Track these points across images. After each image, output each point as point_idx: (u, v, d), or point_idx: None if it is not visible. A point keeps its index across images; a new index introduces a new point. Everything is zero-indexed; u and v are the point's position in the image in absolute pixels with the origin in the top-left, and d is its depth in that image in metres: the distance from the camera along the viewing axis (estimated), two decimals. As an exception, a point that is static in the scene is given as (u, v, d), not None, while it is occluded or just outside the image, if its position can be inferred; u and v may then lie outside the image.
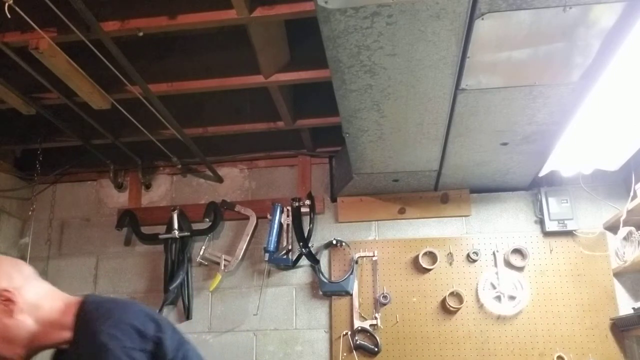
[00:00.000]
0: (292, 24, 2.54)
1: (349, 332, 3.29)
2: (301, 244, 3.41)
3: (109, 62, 2.37)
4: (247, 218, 3.58)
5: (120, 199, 3.84)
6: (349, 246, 3.44)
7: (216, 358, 3.41)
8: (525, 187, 3.42)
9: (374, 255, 3.40)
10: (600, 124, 2.49)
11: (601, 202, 3.32)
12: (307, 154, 3.69)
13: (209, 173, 3.70)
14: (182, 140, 3.18)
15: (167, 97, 2.90)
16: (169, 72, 2.82)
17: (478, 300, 3.26)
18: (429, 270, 3.34)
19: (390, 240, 3.46)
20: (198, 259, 3.55)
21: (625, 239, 3.10)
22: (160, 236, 3.55)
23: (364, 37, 1.88)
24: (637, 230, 3.02)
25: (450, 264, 3.35)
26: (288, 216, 3.50)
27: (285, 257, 3.44)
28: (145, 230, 3.65)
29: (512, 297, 3.23)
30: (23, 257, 3.72)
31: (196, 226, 3.60)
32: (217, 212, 3.60)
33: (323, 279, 3.38)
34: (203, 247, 3.56)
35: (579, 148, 2.77)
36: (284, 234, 3.48)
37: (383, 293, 3.31)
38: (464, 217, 3.46)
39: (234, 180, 3.78)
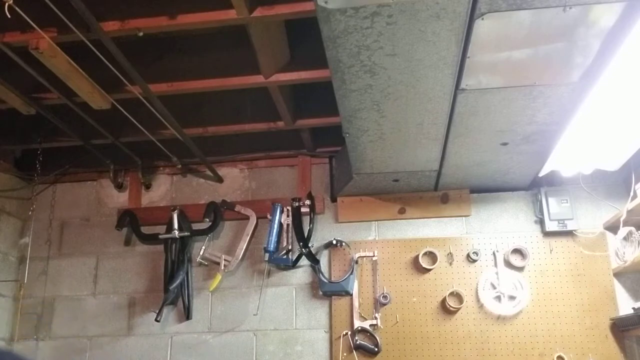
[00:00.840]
0: (292, 24, 2.54)
1: (349, 332, 3.29)
2: (301, 244, 3.41)
3: (109, 62, 2.37)
4: (247, 218, 3.58)
5: (120, 199, 3.84)
6: (349, 246, 3.44)
7: (216, 358, 3.42)
8: (525, 187, 3.42)
9: (374, 255, 3.40)
10: (600, 124, 2.49)
11: (601, 202, 3.32)
12: (307, 154, 3.69)
13: (209, 173, 3.70)
14: (182, 140, 3.18)
15: (167, 97, 2.90)
16: (169, 72, 2.82)
17: (478, 300, 3.26)
18: (429, 270, 3.34)
19: (390, 240, 3.46)
20: (198, 259, 3.55)
21: (625, 239, 3.10)
22: (160, 236, 3.55)
23: (364, 37, 1.88)
24: (637, 230, 3.02)
25: (450, 264, 3.35)
26: (288, 216, 3.50)
27: (285, 257, 3.45)
28: (145, 230, 3.66)
29: (512, 297, 3.23)
30: (23, 257, 3.73)
31: (196, 226, 3.61)
32: (217, 212, 3.60)
33: (323, 279, 3.38)
34: (203, 247, 3.57)
35: (579, 148, 2.77)
36: (284, 234, 3.48)
37: (383, 293, 3.31)
38: (464, 217, 3.46)
39: (234, 180, 3.78)
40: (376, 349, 3.23)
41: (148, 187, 3.83)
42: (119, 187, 3.83)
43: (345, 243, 3.45)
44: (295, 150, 3.68)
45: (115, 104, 2.86)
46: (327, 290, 3.38)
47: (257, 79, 2.75)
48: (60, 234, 3.82)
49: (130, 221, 3.68)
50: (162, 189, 3.83)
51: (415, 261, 3.38)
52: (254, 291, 3.50)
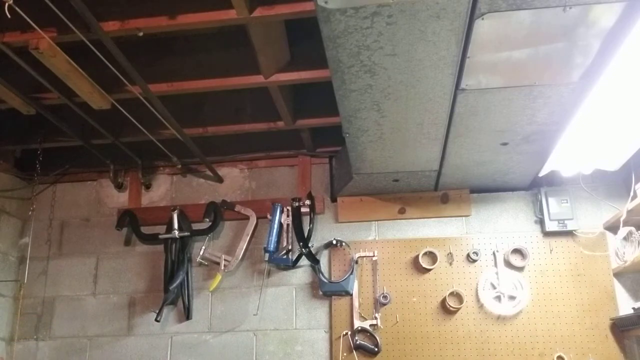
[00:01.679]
0: (292, 24, 2.54)
1: (349, 332, 3.29)
2: (301, 244, 3.41)
3: (109, 62, 2.37)
4: (247, 218, 3.59)
5: (120, 199, 3.84)
6: (349, 246, 3.45)
7: (216, 358, 3.42)
8: (525, 187, 3.42)
9: (374, 255, 3.40)
10: (600, 124, 2.49)
11: (601, 202, 3.32)
12: (307, 154, 3.69)
13: (209, 173, 3.70)
14: (182, 140, 3.18)
15: (167, 97, 2.90)
16: (169, 72, 2.82)
17: (478, 300, 3.26)
18: (429, 270, 3.35)
19: (390, 240, 3.46)
20: (198, 259, 3.55)
21: (625, 239, 3.10)
22: (160, 236, 3.55)
23: (364, 37, 1.88)
24: (637, 230, 3.03)
25: (450, 264, 3.35)
26: (288, 216, 3.50)
27: (285, 257, 3.45)
28: (145, 230, 3.66)
29: (512, 297, 3.23)
30: (23, 257, 3.73)
31: (196, 226, 3.61)
32: (217, 212, 3.60)
33: (323, 279, 3.38)
34: (203, 247, 3.57)
35: (579, 148, 2.77)
36: (284, 234, 3.48)
37: (383, 293, 3.31)
38: (464, 217, 3.46)
39: (234, 180, 3.78)
40: (376, 349, 3.23)
41: (148, 187, 3.83)
42: (119, 187, 3.83)
43: (345, 243, 3.45)
44: (295, 150, 3.68)
45: (115, 104, 2.86)
46: (327, 290, 3.38)
47: (257, 79, 2.75)
48: (60, 234, 3.82)
49: (130, 221, 3.68)
50: (162, 189, 3.84)
51: (415, 261, 3.38)
52: (254, 291, 3.50)
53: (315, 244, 3.50)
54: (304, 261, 3.46)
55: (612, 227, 3.23)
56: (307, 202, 3.53)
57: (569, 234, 3.29)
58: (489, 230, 3.42)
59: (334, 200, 3.60)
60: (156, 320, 3.38)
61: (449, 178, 3.28)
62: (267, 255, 3.43)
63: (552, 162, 2.95)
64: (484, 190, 3.45)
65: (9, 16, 2.02)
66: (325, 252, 3.49)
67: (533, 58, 2.04)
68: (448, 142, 2.75)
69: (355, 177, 3.22)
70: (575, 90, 2.24)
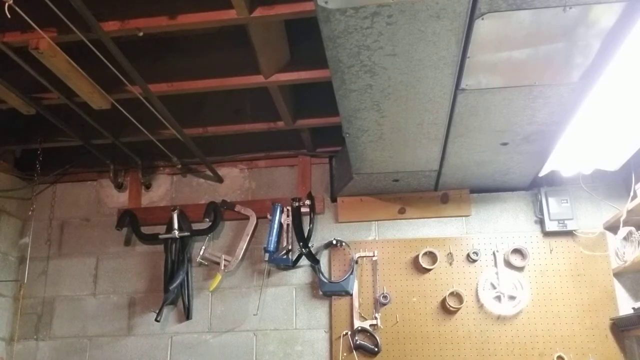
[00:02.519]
0: (292, 24, 2.54)
1: (349, 332, 3.29)
2: (301, 244, 3.41)
3: (109, 62, 2.37)
4: (247, 218, 3.58)
5: (120, 199, 3.84)
6: (349, 246, 3.45)
7: (216, 358, 3.42)
8: (525, 187, 3.42)
9: (374, 255, 3.40)
10: (600, 124, 2.49)
11: (601, 202, 3.32)
12: (307, 154, 3.69)
13: (209, 173, 3.70)
14: (182, 140, 3.18)
15: (167, 97, 2.90)
16: (169, 72, 2.82)
17: (478, 300, 3.26)
18: (429, 270, 3.35)
19: (390, 240, 3.46)
20: (198, 259, 3.55)
21: (625, 239, 3.10)
22: (160, 236, 3.55)
23: (364, 37, 1.88)
24: (637, 230, 3.03)
25: (450, 264, 3.35)
26: (288, 216, 3.50)
27: (285, 257, 3.45)
28: (145, 230, 3.66)
29: (512, 297, 3.23)
30: (23, 257, 3.73)
31: (196, 226, 3.61)
32: (217, 212, 3.60)
33: (323, 279, 3.38)
34: (203, 247, 3.57)
35: (579, 148, 2.77)
36: (284, 234, 3.48)
37: (383, 293, 3.31)
38: (464, 217, 3.46)
39: (234, 180, 3.78)
40: (376, 349, 3.23)
41: (148, 187, 3.83)
42: (119, 187, 3.83)
43: (345, 243, 3.45)
44: (295, 150, 3.68)
45: (115, 104, 2.86)
46: (327, 290, 3.38)
47: (257, 79, 2.75)
48: (60, 234, 3.82)
49: (130, 221, 3.68)
50: (162, 189, 3.84)
51: (415, 261, 3.38)
52: (254, 291, 3.50)
53: (315, 244, 3.50)
54: (304, 261, 3.46)
55: (612, 227, 3.23)
56: (307, 202, 3.53)
57: (569, 234, 3.29)
58: (489, 230, 3.42)
59: (334, 200, 3.60)
60: (156, 320, 3.38)
61: (449, 178, 3.28)
62: (267, 255, 3.43)
63: (552, 162, 2.95)
64: (484, 190, 3.45)
65: (9, 16, 2.02)
66: (325, 252, 3.49)
67: (533, 58, 2.04)
68: (448, 142, 2.75)
69: (355, 177, 3.22)
70: (575, 90, 2.24)
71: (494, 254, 3.33)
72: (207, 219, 3.57)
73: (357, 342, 3.26)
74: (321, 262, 3.44)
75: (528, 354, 3.15)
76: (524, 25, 1.86)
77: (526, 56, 2.04)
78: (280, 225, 3.48)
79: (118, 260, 3.70)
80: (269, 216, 3.48)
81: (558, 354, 3.11)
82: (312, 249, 3.44)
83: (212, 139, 3.54)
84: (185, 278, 3.49)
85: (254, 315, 3.44)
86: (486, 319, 3.23)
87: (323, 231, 3.55)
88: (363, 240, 3.48)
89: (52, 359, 3.58)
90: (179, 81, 2.83)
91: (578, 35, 1.91)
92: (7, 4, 2.00)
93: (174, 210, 3.59)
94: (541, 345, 3.15)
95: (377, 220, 3.53)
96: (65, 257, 3.77)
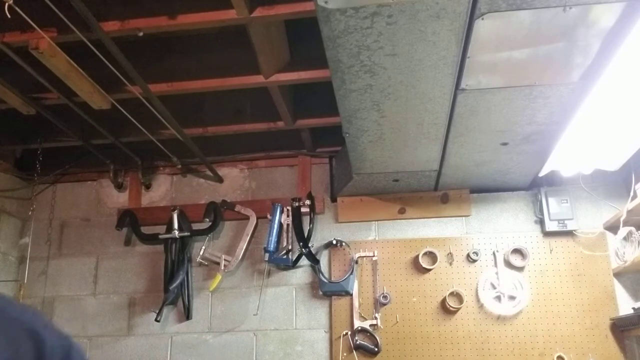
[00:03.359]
0: (292, 24, 2.54)
1: (349, 332, 3.29)
2: (301, 244, 3.41)
3: (109, 62, 2.37)
4: (247, 218, 3.58)
5: (120, 199, 3.84)
6: (349, 246, 3.44)
7: (216, 358, 3.42)
8: (525, 187, 3.42)
9: (374, 255, 3.40)
10: (600, 124, 2.49)
11: (601, 202, 3.32)
12: (307, 154, 3.69)
13: (209, 173, 3.70)
14: (182, 140, 3.18)
15: (167, 97, 2.90)
16: (169, 72, 2.82)
17: (478, 300, 3.26)
18: (429, 270, 3.34)
19: (390, 240, 3.46)
20: (198, 259, 3.55)
21: (625, 239, 3.10)
22: (160, 236, 3.55)
23: (364, 37, 1.88)
24: (637, 230, 3.02)
25: (450, 264, 3.35)
26: (288, 216, 3.50)
27: (285, 257, 3.44)
28: (145, 230, 3.66)
29: (512, 297, 3.23)
30: (23, 257, 3.73)
31: (196, 226, 3.60)
32: (217, 212, 3.60)
33: (323, 279, 3.38)
34: (203, 247, 3.56)
35: (579, 148, 2.77)
36: (284, 234, 3.48)
37: (383, 293, 3.31)
38: (464, 217, 3.46)
39: (234, 180, 3.78)
40: (376, 349, 3.23)
41: (148, 187, 3.83)
42: (119, 187, 3.83)
43: (345, 243, 3.45)
44: (295, 150, 3.68)
45: (115, 104, 2.86)
46: (327, 290, 3.38)
47: (257, 79, 2.75)
48: (60, 234, 3.82)
49: (130, 221, 3.68)
50: (162, 189, 3.83)
51: (415, 261, 3.37)
52: (254, 291, 3.50)
53: (315, 244, 3.49)
54: (304, 261, 3.46)
55: (612, 227, 3.23)
56: (307, 202, 3.53)
57: (569, 234, 3.29)
58: (489, 230, 3.41)
59: (334, 200, 3.60)
60: (156, 320, 3.38)
61: (449, 178, 3.28)
62: (267, 255, 3.43)
63: (552, 162, 2.95)
64: (484, 190, 3.45)
65: (9, 16, 2.02)
66: (325, 252, 3.49)
67: (533, 58, 2.04)
68: (448, 142, 2.75)
69: (355, 177, 3.22)
70: (575, 90, 2.24)
71: (494, 254, 3.33)
72: (207, 219, 3.57)
73: (357, 342, 3.26)
74: (321, 262, 3.44)
75: (528, 354, 3.14)
76: (524, 25, 1.86)
77: (526, 56, 2.03)
78: (280, 225, 3.48)
79: (118, 260, 3.70)
80: (269, 216, 3.48)
81: (558, 354, 3.11)
82: (312, 249, 3.43)
83: (212, 139, 3.54)
84: (185, 278, 3.48)
85: (254, 315, 3.44)
86: (486, 319, 3.23)
87: (323, 231, 3.55)
88: (363, 240, 3.48)
89: (52, 359, 3.57)
90: (179, 81, 2.83)
91: (578, 35, 1.91)
92: (7, 4, 2.00)
93: (174, 210, 3.58)
94: (541, 345, 3.15)
95: (377, 220, 3.52)
96: (65, 257, 3.77)
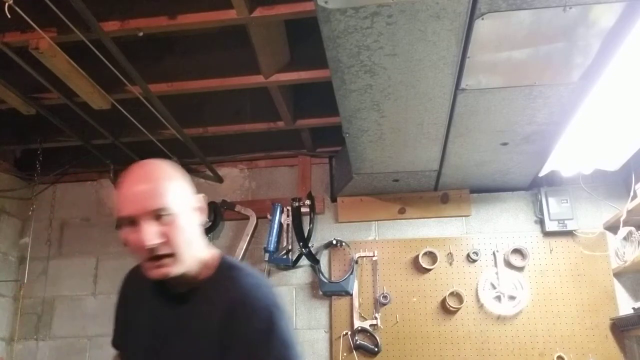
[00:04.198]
0: (292, 24, 2.54)
1: (349, 332, 3.29)
2: (301, 244, 3.41)
3: (109, 62, 2.37)
4: (247, 218, 3.58)
5: (120, 199, 3.83)
6: (349, 246, 3.44)
7: (216, 358, 3.41)
8: (525, 187, 3.41)
9: (374, 255, 3.40)
10: (600, 124, 2.49)
11: (601, 202, 3.32)
12: (307, 154, 3.69)
13: (209, 173, 3.70)
14: (182, 140, 3.18)
15: (167, 97, 2.90)
16: (169, 72, 2.82)
17: (478, 300, 3.26)
18: (429, 270, 3.34)
19: (390, 240, 3.46)
20: (198, 259, 3.54)
21: (625, 239, 3.10)
22: (160, 236, 3.54)
23: (364, 37, 1.88)
24: (637, 230, 3.02)
25: (450, 264, 3.35)
26: (288, 216, 3.50)
27: (285, 257, 3.44)
28: (145, 230, 3.64)
29: (512, 297, 3.22)
30: (23, 257, 3.73)
31: (196, 226, 3.59)
32: (217, 212, 3.60)
33: (323, 279, 3.38)
34: (203, 247, 3.55)
35: (579, 148, 2.77)
36: (284, 234, 3.48)
37: (383, 293, 3.31)
38: (464, 217, 3.46)
39: (234, 180, 3.77)
40: (376, 349, 3.23)
41: (148, 187, 3.82)
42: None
43: (345, 243, 3.45)
44: (295, 150, 3.68)
45: (115, 104, 2.86)
46: (327, 290, 3.38)
47: (257, 79, 2.75)
48: (61, 234, 3.82)
49: (130, 221, 3.67)
50: (162, 189, 3.82)
51: (415, 261, 3.37)
52: (254, 291, 3.49)
53: (315, 244, 3.49)
54: (304, 261, 3.46)
55: (612, 227, 3.23)
56: (307, 202, 3.53)
57: (569, 234, 3.29)
58: (489, 230, 3.41)
59: (334, 200, 3.60)
60: (156, 320, 3.37)
61: (449, 178, 3.28)
62: (267, 255, 3.43)
63: (552, 162, 2.95)
64: (484, 190, 3.45)
65: (9, 16, 2.02)
66: (325, 252, 3.49)
67: (533, 58, 2.04)
68: (448, 142, 2.74)
69: (355, 177, 3.22)
70: (575, 90, 2.24)
71: (494, 254, 3.33)
72: (207, 219, 3.57)
73: (357, 342, 3.26)
74: (321, 262, 3.44)
75: (528, 354, 3.14)
76: (524, 25, 1.86)
77: (526, 56, 2.03)
78: (280, 225, 3.48)
79: (118, 260, 3.69)
80: (269, 216, 3.48)
81: (558, 354, 3.11)
82: (312, 249, 3.43)
83: (212, 139, 3.54)
84: (185, 278, 3.47)
85: (254, 315, 3.43)
86: (486, 319, 3.23)
87: (323, 231, 3.55)
88: (363, 240, 3.48)
89: (52, 359, 3.58)
90: (179, 81, 2.83)
91: (578, 35, 1.91)
92: (7, 4, 2.00)
93: (173, 210, 3.57)
94: (541, 345, 3.15)
95: (377, 220, 3.52)
96: (66, 257, 3.77)
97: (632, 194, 3.03)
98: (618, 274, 3.20)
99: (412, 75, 2.12)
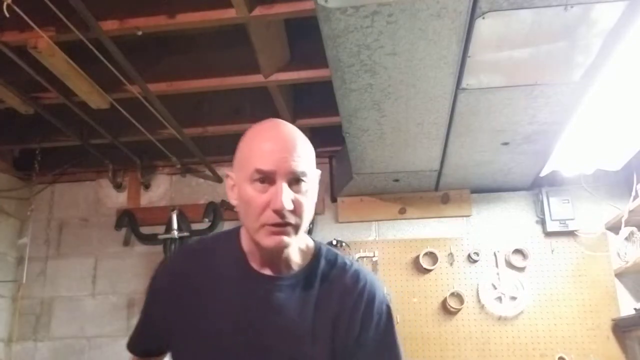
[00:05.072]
0: (292, 24, 2.53)
1: (349, 333, 3.27)
2: (301, 244, 3.39)
3: (107, 61, 2.36)
4: (246, 218, 3.56)
5: (119, 199, 3.83)
6: (349, 246, 3.43)
7: (216, 359, 3.40)
8: (526, 187, 3.40)
9: (374, 256, 3.39)
10: (602, 123, 2.48)
11: (602, 202, 3.31)
12: (307, 154, 3.67)
13: (209, 173, 3.69)
14: (182, 140, 3.17)
15: (167, 97, 2.89)
16: (169, 72, 2.81)
17: (479, 300, 3.25)
18: (430, 270, 3.33)
19: (391, 240, 3.45)
20: (198, 260, 3.53)
21: (627, 239, 3.09)
22: (160, 236, 3.54)
23: (364, 36, 1.87)
24: (638, 231, 3.02)
25: (451, 264, 3.34)
26: (288, 216, 3.48)
27: (285, 257, 3.43)
28: (144, 230, 3.64)
29: (513, 298, 3.22)
30: (22, 257, 3.72)
31: (195, 226, 3.59)
32: (217, 212, 3.58)
33: (323, 279, 3.37)
34: (203, 248, 3.55)
35: (580, 148, 2.76)
36: (284, 234, 3.46)
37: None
38: (464, 217, 3.45)
39: (233, 180, 3.76)
40: (376, 350, 3.22)
41: (147, 187, 3.82)
42: (118, 187, 3.82)
43: (345, 243, 3.44)
44: (295, 150, 3.66)
45: (114, 103, 2.85)
46: (327, 291, 3.36)
47: (257, 79, 2.74)
48: (59, 234, 3.81)
49: (129, 221, 3.67)
50: (161, 189, 3.82)
51: (416, 261, 3.36)
52: (253, 292, 3.48)
53: (315, 244, 3.48)
54: (304, 261, 3.44)
55: (614, 228, 3.22)
56: (307, 202, 3.51)
57: (570, 234, 3.28)
58: (490, 231, 3.40)
59: (334, 200, 3.59)
60: (156, 320, 3.36)
61: (449, 178, 3.27)
62: (266, 255, 3.41)
63: (553, 162, 2.94)
64: (485, 190, 3.44)
65: (7, 15, 2.01)
66: (325, 253, 3.47)
67: (534, 57, 2.03)
68: (449, 141, 2.74)
69: (356, 177, 3.21)
70: (576, 89, 2.23)
71: (494, 254, 3.32)
72: (207, 219, 3.56)
73: (357, 343, 3.24)
74: (321, 263, 3.42)
75: (529, 354, 3.13)
76: (525, 24, 1.85)
77: (527, 55, 2.02)
78: (280, 225, 3.46)
79: (117, 261, 3.69)
80: (268, 216, 3.46)
81: (559, 355, 3.10)
82: (312, 249, 3.42)
83: (212, 139, 3.52)
84: (185, 278, 3.47)
85: (253, 315, 3.42)
86: (487, 320, 3.22)
87: (323, 231, 3.54)
88: (363, 241, 3.47)
89: (51, 360, 3.57)
90: (178, 81, 2.81)
91: (579, 35, 1.90)
92: (5, 3, 1.99)
93: (173, 210, 3.57)
94: (542, 346, 3.14)
95: (377, 221, 3.51)
96: (64, 258, 3.75)
97: (633, 194, 3.03)
98: (619, 275, 3.20)
99: (412, 75, 2.11)
